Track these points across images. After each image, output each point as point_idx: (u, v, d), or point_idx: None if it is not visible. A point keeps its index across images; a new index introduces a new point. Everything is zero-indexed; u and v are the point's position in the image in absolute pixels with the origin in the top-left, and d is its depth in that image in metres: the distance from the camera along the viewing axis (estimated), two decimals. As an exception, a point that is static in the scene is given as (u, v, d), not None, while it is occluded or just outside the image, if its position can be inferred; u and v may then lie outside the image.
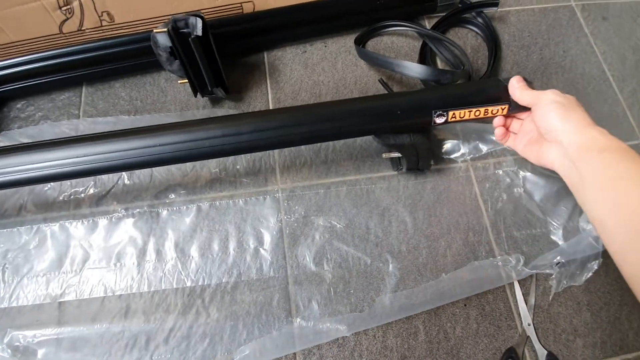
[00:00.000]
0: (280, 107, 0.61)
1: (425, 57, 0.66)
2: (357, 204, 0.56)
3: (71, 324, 0.49)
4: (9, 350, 0.47)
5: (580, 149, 0.40)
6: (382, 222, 0.55)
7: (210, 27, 0.53)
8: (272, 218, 0.55)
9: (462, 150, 0.59)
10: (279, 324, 0.49)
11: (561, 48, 0.69)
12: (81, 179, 0.56)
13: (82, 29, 0.61)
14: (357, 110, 0.49)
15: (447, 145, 0.60)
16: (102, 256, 0.52)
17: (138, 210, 0.55)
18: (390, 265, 0.53)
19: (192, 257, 0.52)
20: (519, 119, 0.51)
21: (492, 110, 0.49)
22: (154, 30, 0.52)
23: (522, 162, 0.59)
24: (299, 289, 0.51)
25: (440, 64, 0.67)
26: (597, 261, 0.53)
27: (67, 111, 0.62)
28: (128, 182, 0.56)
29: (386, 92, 0.62)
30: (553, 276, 0.53)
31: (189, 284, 0.51)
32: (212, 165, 0.57)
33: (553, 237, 0.55)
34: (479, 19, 0.69)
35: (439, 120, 0.49)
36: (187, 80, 0.56)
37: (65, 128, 0.60)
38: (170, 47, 0.52)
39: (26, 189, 0.55)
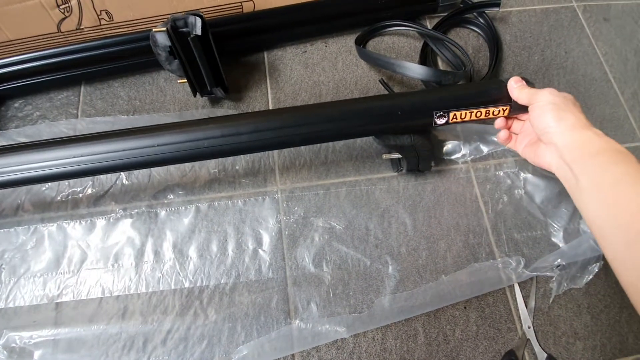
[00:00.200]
0: (280, 108, 0.61)
1: (426, 57, 0.66)
2: (356, 205, 0.56)
3: (68, 325, 0.48)
4: (5, 352, 0.47)
5: (575, 151, 0.39)
6: (382, 223, 0.55)
7: (209, 26, 0.53)
8: (271, 219, 0.54)
9: (463, 152, 0.59)
10: (277, 326, 0.49)
11: (563, 49, 0.69)
12: (79, 179, 0.55)
13: (81, 27, 0.60)
14: (358, 111, 0.49)
15: (448, 146, 0.59)
16: (100, 257, 0.52)
17: (136, 210, 0.54)
18: (390, 267, 0.52)
19: (191, 258, 0.52)
20: (520, 120, 0.51)
21: (494, 112, 0.49)
22: (153, 30, 0.51)
23: (523, 164, 0.58)
24: (297, 291, 0.51)
25: (441, 65, 0.67)
26: (597, 264, 0.52)
27: (66, 110, 0.61)
28: (126, 182, 0.56)
29: (387, 92, 0.62)
30: (553, 279, 0.52)
31: (187, 285, 0.51)
32: (211, 166, 0.57)
33: (554, 240, 0.54)
34: (481, 20, 0.69)
35: (440, 121, 0.49)
36: (186, 80, 0.56)
37: (63, 127, 0.59)
38: (170, 46, 0.52)
39: (23, 188, 0.55)
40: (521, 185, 0.57)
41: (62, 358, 0.47)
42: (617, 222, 0.35)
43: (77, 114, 0.61)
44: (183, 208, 0.55)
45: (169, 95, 0.62)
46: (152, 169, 0.56)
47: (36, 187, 0.55)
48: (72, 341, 0.48)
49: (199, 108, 0.62)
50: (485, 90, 0.49)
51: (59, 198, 0.55)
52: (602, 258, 0.52)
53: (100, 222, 0.54)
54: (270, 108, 0.62)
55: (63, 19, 0.59)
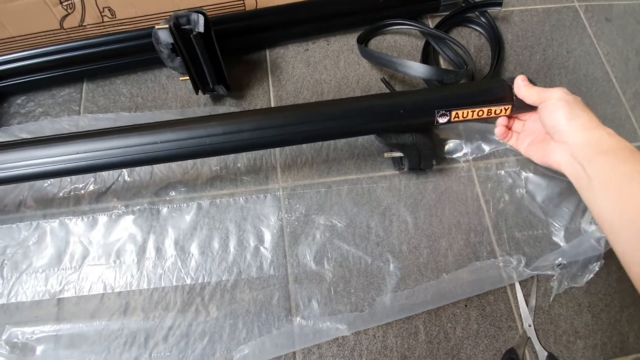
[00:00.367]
0: (282, 105, 0.61)
1: (428, 56, 0.66)
2: (358, 203, 0.56)
3: (70, 321, 0.48)
4: (8, 347, 0.47)
5: (587, 149, 0.40)
6: (383, 221, 0.55)
7: (212, 23, 0.53)
8: (273, 216, 0.55)
9: (465, 150, 0.59)
10: (278, 323, 0.49)
11: (564, 49, 0.69)
12: (81, 176, 0.56)
13: (83, 24, 0.60)
14: (359, 109, 0.49)
15: (450, 145, 0.59)
16: (102, 253, 0.52)
17: (138, 207, 0.54)
18: (391, 265, 0.52)
19: (192, 254, 0.52)
20: (520, 120, 0.51)
21: (496, 111, 0.49)
22: (156, 27, 0.51)
23: (525, 163, 0.58)
24: (299, 288, 0.51)
25: (443, 64, 0.67)
26: (598, 263, 0.52)
27: (68, 107, 0.61)
28: (128, 179, 0.56)
29: (389, 91, 0.62)
30: (554, 277, 0.52)
31: (188, 281, 0.51)
32: (212, 163, 0.57)
33: (555, 239, 0.55)
34: (483, 19, 0.69)
35: (442, 120, 0.49)
36: (188, 78, 0.56)
37: (65, 124, 0.59)
38: (172, 43, 0.52)
39: (26, 184, 0.55)
40: (522, 184, 0.58)
41: (64, 353, 0.47)
42: (627, 218, 0.36)
43: (79, 111, 0.61)
44: (185, 205, 0.55)
45: (171, 93, 0.62)
46: (154, 166, 0.57)
47: (38, 183, 0.55)
48: (74, 337, 0.48)
49: (201, 105, 0.62)
50: (487, 89, 0.49)
51: (61, 194, 0.55)
52: (603, 257, 0.52)
53: (102, 219, 0.54)
54: (272, 106, 0.62)
55: (65, 16, 0.59)
